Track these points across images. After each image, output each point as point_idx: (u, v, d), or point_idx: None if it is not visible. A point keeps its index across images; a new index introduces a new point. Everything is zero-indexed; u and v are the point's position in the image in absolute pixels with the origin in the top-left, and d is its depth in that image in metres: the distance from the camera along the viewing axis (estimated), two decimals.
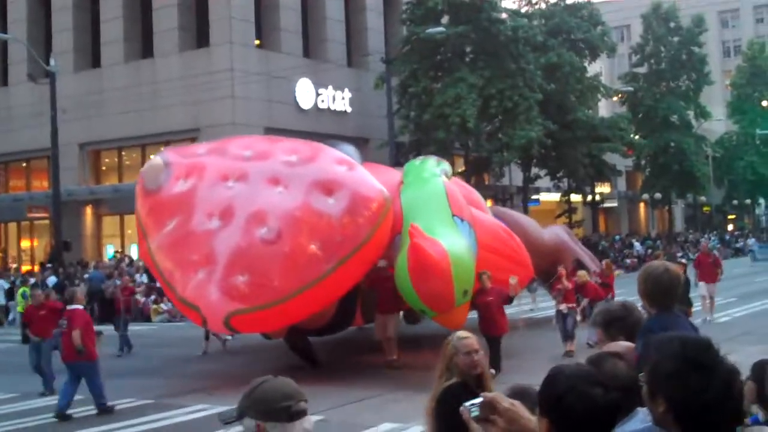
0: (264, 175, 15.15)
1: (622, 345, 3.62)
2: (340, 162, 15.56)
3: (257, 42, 37.37)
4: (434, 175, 17.24)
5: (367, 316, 17.53)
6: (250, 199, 14.79)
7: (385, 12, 43.54)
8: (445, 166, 18.26)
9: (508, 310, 21.47)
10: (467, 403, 3.05)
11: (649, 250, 45.93)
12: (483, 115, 38.07)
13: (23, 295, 24.93)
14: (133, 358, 18.89)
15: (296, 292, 13.93)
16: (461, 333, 4.23)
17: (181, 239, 14.84)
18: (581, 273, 19.17)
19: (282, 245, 14.20)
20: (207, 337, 19.95)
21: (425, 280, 14.12)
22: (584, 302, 18.18)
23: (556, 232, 23.55)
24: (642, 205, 67.86)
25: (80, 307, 13.82)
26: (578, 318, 17.58)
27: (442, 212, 15.69)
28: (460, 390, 4.15)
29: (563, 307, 17.57)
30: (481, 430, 3.05)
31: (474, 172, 42.65)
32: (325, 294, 14.56)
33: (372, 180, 15.28)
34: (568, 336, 17.29)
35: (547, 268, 20.28)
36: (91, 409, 13.44)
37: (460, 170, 43.97)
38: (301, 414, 2.80)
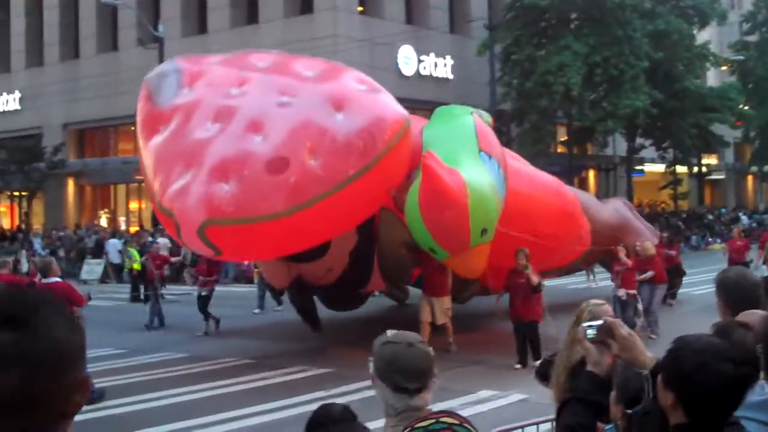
0: (274, 86, 13.32)
1: (758, 314, 3.47)
2: (360, 81, 13.68)
3: (360, 8, 37.41)
4: (466, 112, 15.40)
5: (389, 278, 15.99)
6: (252, 106, 13.02)
7: None
8: (485, 116, 15.95)
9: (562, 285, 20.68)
10: (585, 324, 3.11)
11: (754, 225, 44.67)
12: (587, 83, 37.36)
13: (129, 256, 25.65)
14: (234, 319, 19.28)
15: (286, 212, 11.91)
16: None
17: (171, 144, 13.09)
18: (647, 244, 16.82)
19: (276, 158, 12.22)
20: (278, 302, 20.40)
21: (437, 211, 12.43)
22: (648, 274, 16.07)
23: (615, 207, 21.91)
24: (750, 178, 65.79)
25: (57, 279, 12.01)
26: (639, 306, 15.49)
27: (468, 145, 13.76)
28: None
29: (622, 292, 15.46)
30: (595, 350, 3.08)
31: (577, 142, 42.03)
32: (321, 221, 12.37)
33: (391, 102, 13.33)
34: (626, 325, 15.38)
35: (607, 248, 17.76)
36: (194, 367, 13.79)
37: (562, 139, 43.46)
38: (407, 391, 2.84)
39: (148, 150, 13.45)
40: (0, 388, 1.42)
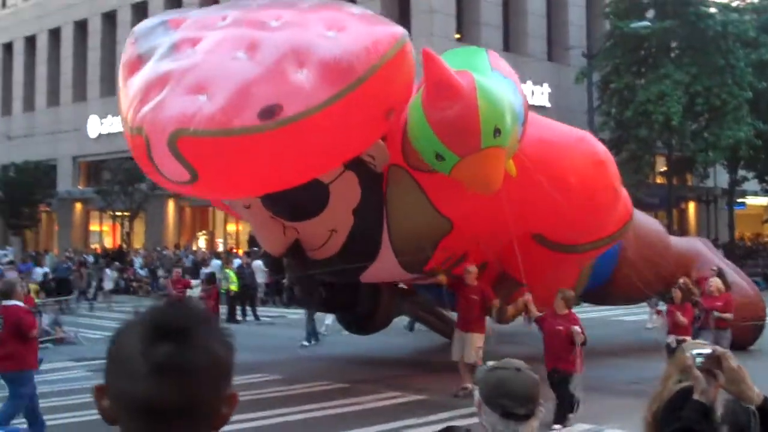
0: (263, 15, 11.88)
1: None
2: (358, 12, 12.31)
3: (457, 36, 37.55)
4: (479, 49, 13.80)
5: (403, 254, 13.59)
6: (239, 32, 11.56)
7: (588, 6, 42.73)
8: None
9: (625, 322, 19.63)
10: (694, 351, 3.09)
11: None
12: (688, 113, 36.68)
13: (225, 277, 26.11)
14: (330, 345, 19.42)
15: (263, 127, 10.42)
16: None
17: (152, 71, 11.52)
18: (716, 279, 14.68)
19: (259, 66, 10.87)
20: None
21: (442, 106, 11.20)
22: (726, 316, 13.86)
23: (692, 243, 20.25)
24: None
25: (18, 303, 11.09)
26: None
27: (479, 64, 12.27)
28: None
29: (671, 339, 13.10)
30: (703, 379, 3.05)
31: (677, 172, 41.27)
32: (303, 145, 10.80)
33: (388, 22, 12.01)
34: None
35: (669, 280, 15.59)
36: (288, 390, 13.92)
37: (662, 169, 42.70)
38: (515, 417, 2.83)
39: (126, 87, 11.84)
40: (159, 398, 1.50)
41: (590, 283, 16.59)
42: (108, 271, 33.10)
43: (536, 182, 12.42)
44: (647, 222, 18.69)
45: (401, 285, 17.70)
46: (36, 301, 23.62)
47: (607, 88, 38.01)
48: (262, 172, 11.10)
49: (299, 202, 12.48)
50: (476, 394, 2.95)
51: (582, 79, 36.23)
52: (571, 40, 40.56)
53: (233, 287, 25.37)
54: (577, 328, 11.27)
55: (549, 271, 14.25)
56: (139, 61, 11.82)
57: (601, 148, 14.23)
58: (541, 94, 39.01)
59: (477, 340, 13.40)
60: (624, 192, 14.71)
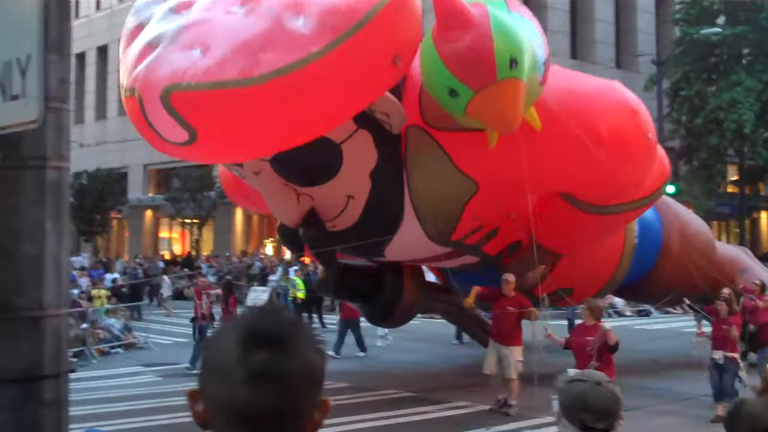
0: None
1: None
2: None
3: None
4: None
5: (428, 224, 12.63)
6: None
7: (657, 12, 42.21)
8: None
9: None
10: None
11: None
12: (761, 121, 35.95)
13: (293, 284, 26.27)
14: (401, 351, 19.42)
15: (261, 78, 9.64)
16: None
17: (148, 32, 10.69)
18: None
19: (256, 17, 10.10)
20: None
21: (454, 37, 10.46)
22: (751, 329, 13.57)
23: (737, 251, 19.44)
24: None
25: None
26: (742, 373, 12.17)
27: (496, 3, 11.11)
28: None
29: (718, 355, 12.23)
30: None
31: (749, 181, 40.45)
32: (304, 97, 9.94)
33: None
34: (722, 395, 11.97)
35: (710, 285, 15.27)
36: (357, 397, 13.96)
37: (733, 178, 41.92)
38: (593, 431, 2.82)
39: (125, 55, 11.03)
40: (256, 405, 1.55)
41: (631, 272, 15.71)
42: (165, 278, 33.53)
43: (564, 135, 11.54)
44: (694, 220, 17.92)
45: (432, 278, 17.22)
46: (107, 306, 24.11)
47: (677, 96, 37.47)
48: (263, 128, 10.25)
49: (310, 164, 11.69)
50: (555, 404, 2.94)
51: (651, 86, 35.75)
52: (640, 47, 40.10)
53: (300, 294, 25.50)
54: (607, 325, 10.91)
55: (584, 238, 13.54)
56: (138, 30, 11.09)
57: (633, 97, 12.99)
58: None
59: (516, 353, 12.87)
60: (660, 149, 13.69)
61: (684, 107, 37.33)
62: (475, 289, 13.35)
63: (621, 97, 12.74)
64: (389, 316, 15.75)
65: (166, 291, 32.49)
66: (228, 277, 23.35)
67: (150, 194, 48.38)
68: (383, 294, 15.27)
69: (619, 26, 41.22)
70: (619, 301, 28.47)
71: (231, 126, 10.01)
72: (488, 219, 13.00)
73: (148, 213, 48.41)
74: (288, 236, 13.35)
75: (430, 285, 16.83)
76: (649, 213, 15.43)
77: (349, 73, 10.06)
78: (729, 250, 19.07)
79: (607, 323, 11.77)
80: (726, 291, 13.20)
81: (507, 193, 12.33)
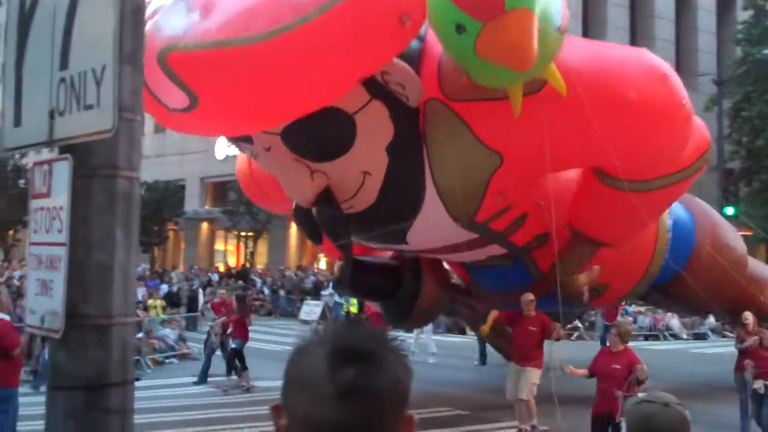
0: None
1: None
2: None
3: None
4: None
5: (453, 205, 11.81)
6: None
7: (718, 32, 41.73)
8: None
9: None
10: None
11: None
12: None
13: (346, 299, 26.32)
14: (453, 369, 19.33)
15: (263, 35, 9.09)
16: None
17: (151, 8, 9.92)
18: None
19: None
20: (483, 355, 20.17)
21: None
22: None
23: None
24: None
25: (3, 317, 10.57)
26: None
27: None
28: None
29: (759, 385, 11.80)
30: None
31: None
32: (307, 55, 9.34)
33: None
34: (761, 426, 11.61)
35: (738, 298, 14.87)
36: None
37: None
38: None
39: None
40: (345, 421, 1.54)
41: (663, 270, 14.99)
42: (200, 290, 33.74)
43: (591, 100, 10.78)
44: (729, 229, 17.08)
45: (456, 278, 16.36)
46: (162, 316, 24.36)
47: (738, 116, 36.93)
48: (267, 92, 9.61)
49: (322, 136, 11.04)
50: (623, 426, 2.91)
51: (712, 106, 35.29)
52: (701, 67, 39.64)
53: (353, 309, 25.55)
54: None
55: (629, 222, 12.68)
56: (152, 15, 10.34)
57: (663, 62, 12.14)
58: None
59: (534, 376, 12.53)
60: (698, 119, 12.71)
61: (745, 128, 36.78)
62: (493, 315, 12.99)
63: (650, 61, 11.86)
64: (407, 315, 15.00)
65: (201, 301, 32.63)
66: (240, 291, 22.65)
67: (206, 206, 48.87)
68: (401, 292, 14.58)
69: (680, 46, 40.82)
70: (675, 323, 28.14)
71: (233, 89, 9.44)
72: (515, 199, 12.25)
73: (204, 225, 48.90)
74: (304, 221, 12.42)
75: (453, 286, 16.06)
76: (681, 212, 14.96)
77: (354, 30, 9.40)
78: (761, 266, 18.37)
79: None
80: (748, 317, 12.78)
81: (533, 166, 11.61)
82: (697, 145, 12.54)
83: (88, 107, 2.95)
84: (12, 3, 3.39)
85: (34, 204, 3.21)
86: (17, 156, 54.99)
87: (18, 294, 19.05)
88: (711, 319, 26.67)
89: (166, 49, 9.10)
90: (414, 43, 10.65)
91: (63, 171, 3.03)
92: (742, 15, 38.46)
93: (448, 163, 11.41)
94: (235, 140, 12.23)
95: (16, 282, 23.24)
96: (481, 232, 12.58)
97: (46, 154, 3.45)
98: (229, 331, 17.69)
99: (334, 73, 9.76)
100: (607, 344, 11.68)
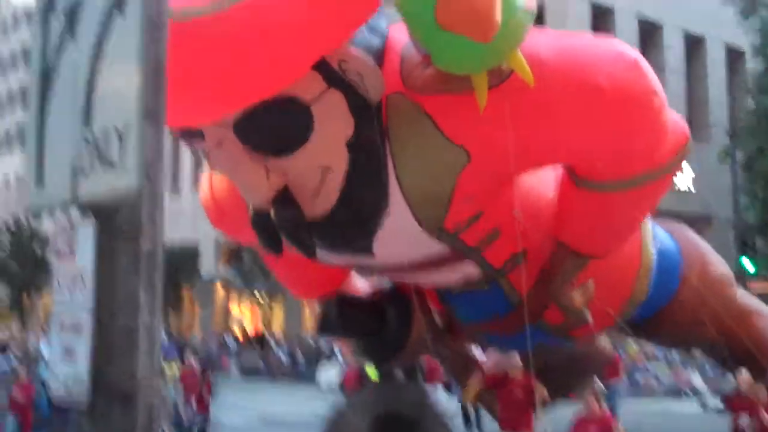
0: None
1: None
2: None
3: None
4: None
5: (419, 209, 10.51)
6: None
7: (729, 82, 41.86)
8: None
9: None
10: None
11: None
12: None
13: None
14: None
15: (207, 9, 8.10)
16: None
17: None
18: None
19: None
20: None
21: None
22: None
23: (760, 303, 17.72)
24: None
25: None
26: None
27: None
28: None
29: None
30: None
31: None
32: (258, 26, 8.46)
33: None
34: None
35: (725, 332, 13.44)
36: None
37: None
38: None
39: None
40: None
41: (648, 300, 14.03)
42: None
43: (560, 90, 9.80)
44: (717, 259, 16.06)
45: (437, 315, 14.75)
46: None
47: (752, 169, 36.79)
48: (216, 73, 8.56)
49: (277, 127, 9.89)
50: None
51: (726, 158, 35.22)
52: (712, 118, 39.70)
53: (371, 374, 25.31)
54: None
55: (608, 227, 11.23)
56: None
57: (633, 51, 11.23)
58: (684, 177, 38.07)
59: None
60: (673, 112, 11.67)
61: (760, 181, 36.58)
62: (476, 379, 11.90)
63: (621, 47, 10.87)
64: (396, 352, 13.74)
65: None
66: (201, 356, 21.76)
67: (221, 268, 48.91)
68: (389, 326, 13.50)
69: (691, 96, 40.93)
70: (698, 382, 27.42)
71: (183, 68, 8.71)
72: (487, 206, 10.85)
73: (219, 288, 48.87)
74: (264, 228, 11.49)
75: (432, 322, 14.68)
76: (665, 238, 14.06)
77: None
78: (747, 297, 17.20)
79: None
80: (744, 378, 11.91)
81: (502, 164, 10.68)
82: (675, 138, 11.52)
83: (112, 166, 2.90)
84: (34, 61, 3.37)
85: (58, 266, 3.15)
86: (33, 220, 55.35)
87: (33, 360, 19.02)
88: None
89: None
90: (375, 41, 9.88)
91: (87, 232, 2.97)
92: (753, 63, 38.54)
93: (412, 159, 10.41)
94: (186, 136, 10.94)
95: (33, 350, 23.18)
96: (451, 242, 11.36)
97: (69, 214, 3.40)
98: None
99: (290, 48, 8.79)
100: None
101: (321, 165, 10.11)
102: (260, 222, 11.38)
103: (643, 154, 11.08)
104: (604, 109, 10.11)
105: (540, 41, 10.31)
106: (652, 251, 13.84)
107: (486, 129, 10.47)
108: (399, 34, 10.39)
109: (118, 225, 2.99)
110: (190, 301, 50.80)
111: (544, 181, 11.04)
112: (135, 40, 2.93)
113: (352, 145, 10.16)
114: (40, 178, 3.27)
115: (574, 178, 11.23)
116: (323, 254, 11.30)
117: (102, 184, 2.95)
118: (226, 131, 10.64)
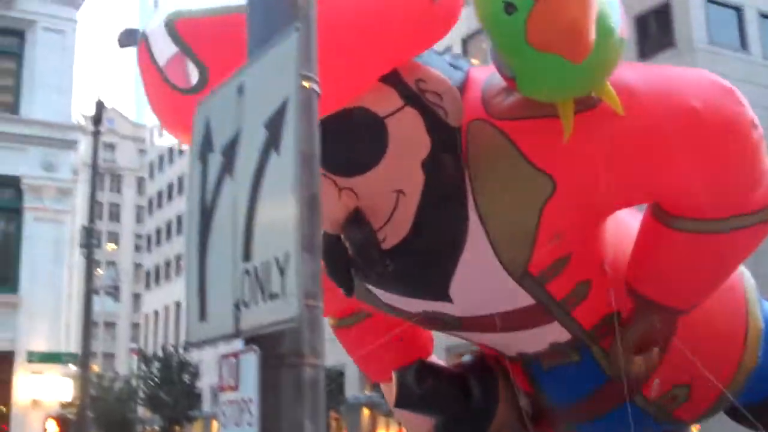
0: None
1: None
2: None
3: None
4: None
5: (500, 239, 9.45)
6: None
7: None
8: None
9: None
10: None
11: None
12: None
13: None
14: None
15: None
16: None
17: None
18: None
19: None
20: None
21: None
22: None
23: None
24: None
25: None
26: None
27: None
28: None
29: None
30: None
31: None
32: (326, 26, 7.55)
33: None
34: None
35: None
36: None
37: None
38: None
39: None
40: None
41: (760, 371, 11.28)
42: None
43: (651, 119, 8.71)
44: None
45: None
46: None
47: None
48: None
49: (350, 141, 9.05)
50: None
51: None
52: None
53: None
54: None
55: (699, 275, 9.37)
56: None
57: (725, 80, 9.65)
58: None
59: None
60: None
61: None
62: None
63: (714, 76, 9.69)
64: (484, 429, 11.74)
65: None
66: None
67: (366, 392, 48.87)
68: (474, 397, 11.29)
69: None
70: None
71: (225, 43, 8.32)
72: (574, 247, 9.64)
73: (365, 411, 48.75)
74: (334, 259, 10.26)
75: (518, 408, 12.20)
76: None
77: (373, 6, 8.26)
78: None
79: None
80: None
81: (591, 198, 9.41)
82: None
83: (273, 296, 2.95)
84: (192, 198, 3.50)
85: (223, 398, 3.20)
86: (181, 351, 56.66)
87: None
88: None
89: (173, 15, 8.14)
90: (456, 74, 9.27)
91: (250, 362, 3.02)
92: None
93: (492, 186, 9.23)
94: None
95: None
96: (536, 293, 10.03)
97: (231, 345, 3.46)
98: None
99: (352, 57, 8.40)
100: None
101: (395, 188, 9.47)
102: (332, 254, 10.18)
103: (741, 186, 9.55)
104: (701, 133, 8.82)
105: (625, 71, 9.40)
106: (760, 317, 11.74)
107: (572, 156, 9.33)
108: (480, 73, 9.74)
109: (280, 354, 3.03)
110: (337, 425, 50.78)
111: (634, 232, 9.69)
112: (290, 174, 3.02)
113: (428, 167, 9.43)
114: (202, 312, 3.36)
115: (662, 216, 9.50)
116: (395, 300, 10.14)
117: (263, 315, 3.00)
118: None
